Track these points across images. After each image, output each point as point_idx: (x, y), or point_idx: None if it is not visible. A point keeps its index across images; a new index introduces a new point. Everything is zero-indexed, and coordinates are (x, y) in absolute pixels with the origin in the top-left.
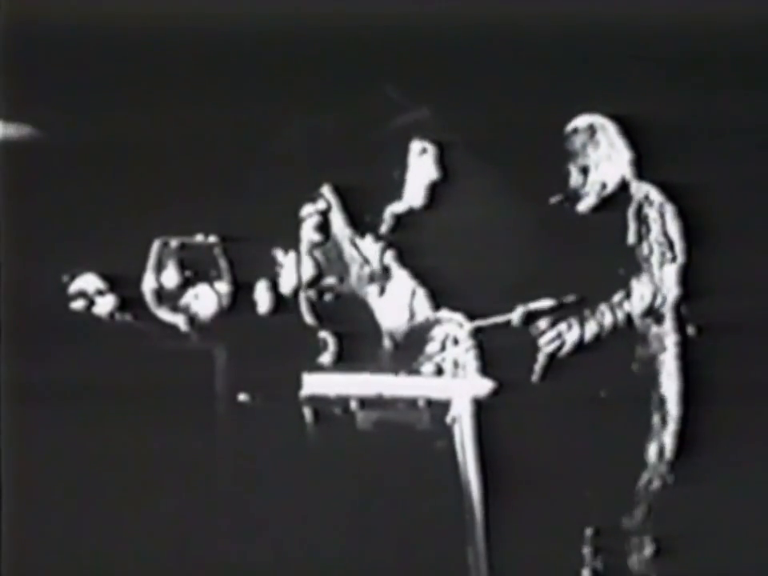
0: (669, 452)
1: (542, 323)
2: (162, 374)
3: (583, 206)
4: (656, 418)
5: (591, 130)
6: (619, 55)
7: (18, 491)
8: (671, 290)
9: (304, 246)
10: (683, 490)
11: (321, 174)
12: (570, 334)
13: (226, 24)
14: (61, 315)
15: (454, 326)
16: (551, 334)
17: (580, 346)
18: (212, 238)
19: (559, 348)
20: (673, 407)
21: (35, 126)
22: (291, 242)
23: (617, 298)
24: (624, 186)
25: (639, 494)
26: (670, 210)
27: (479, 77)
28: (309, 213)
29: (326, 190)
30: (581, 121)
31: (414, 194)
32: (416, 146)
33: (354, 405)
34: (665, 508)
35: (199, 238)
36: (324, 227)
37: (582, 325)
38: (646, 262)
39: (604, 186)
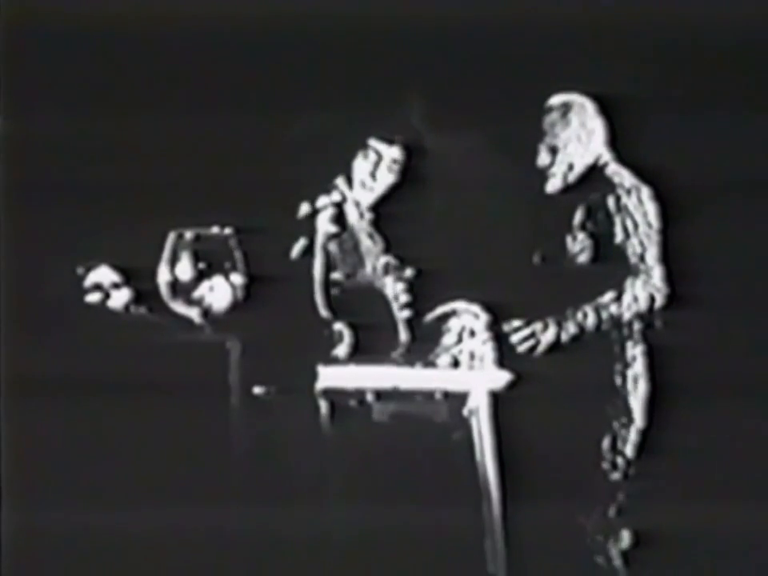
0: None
1: (516, 321)
2: (176, 366)
3: (550, 188)
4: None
5: (565, 108)
6: (599, 38)
7: (28, 482)
8: (660, 292)
9: (319, 238)
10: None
11: (335, 165)
12: (546, 334)
13: (235, 18)
14: (76, 308)
15: (470, 317)
16: (524, 332)
17: (556, 346)
18: (227, 230)
19: (533, 348)
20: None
21: (50, 119)
22: (307, 234)
23: (606, 297)
24: (594, 169)
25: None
26: (646, 193)
27: (463, 64)
28: (324, 204)
29: (340, 182)
30: (555, 99)
31: (370, 194)
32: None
33: (370, 397)
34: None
35: (214, 229)
36: (340, 218)
37: (559, 325)
38: (642, 261)
39: (571, 166)
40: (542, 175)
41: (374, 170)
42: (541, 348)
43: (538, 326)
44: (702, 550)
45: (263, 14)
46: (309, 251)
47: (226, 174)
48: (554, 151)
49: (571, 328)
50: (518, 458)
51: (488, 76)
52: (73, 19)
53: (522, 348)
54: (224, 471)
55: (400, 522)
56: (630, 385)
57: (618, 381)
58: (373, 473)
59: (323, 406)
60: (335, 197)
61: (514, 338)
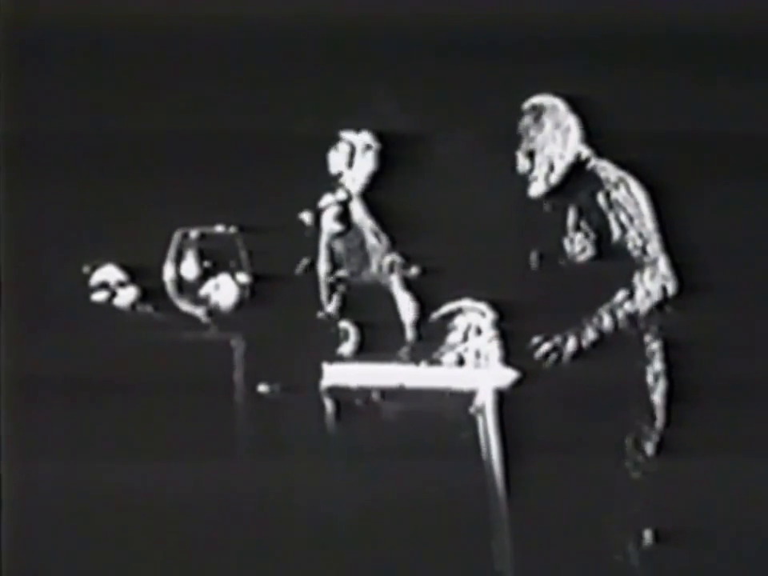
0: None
1: (536, 338)
2: (182, 364)
3: (533, 191)
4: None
5: (537, 112)
6: (569, 40)
7: (31, 482)
8: (669, 281)
9: (324, 237)
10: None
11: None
12: (567, 346)
13: (234, 19)
14: (82, 306)
15: (476, 315)
16: (546, 347)
17: (579, 353)
18: (232, 229)
19: (558, 360)
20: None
21: (51, 118)
22: (311, 233)
23: (619, 297)
24: (576, 167)
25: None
26: (633, 184)
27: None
28: (328, 203)
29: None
30: (526, 104)
31: (354, 184)
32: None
33: (375, 396)
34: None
35: (219, 228)
36: (344, 217)
37: (578, 336)
38: (645, 254)
39: (551, 167)
40: (524, 181)
41: (350, 159)
42: (564, 359)
43: (558, 339)
44: (721, 548)
45: (264, 15)
46: (314, 250)
47: (231, 172)
48: (531, 155)
49: (590, 334)
50: (523, 455)
51: (487, 75)
52: (73, 19)
53: (547, 364)
54: (229, 469)
55: (405, 520)
56: (650, 381)
57: (633, 378)
58: (378, 471)
59: (328, 404)
60: (340, 195)
61: (537, 354)
